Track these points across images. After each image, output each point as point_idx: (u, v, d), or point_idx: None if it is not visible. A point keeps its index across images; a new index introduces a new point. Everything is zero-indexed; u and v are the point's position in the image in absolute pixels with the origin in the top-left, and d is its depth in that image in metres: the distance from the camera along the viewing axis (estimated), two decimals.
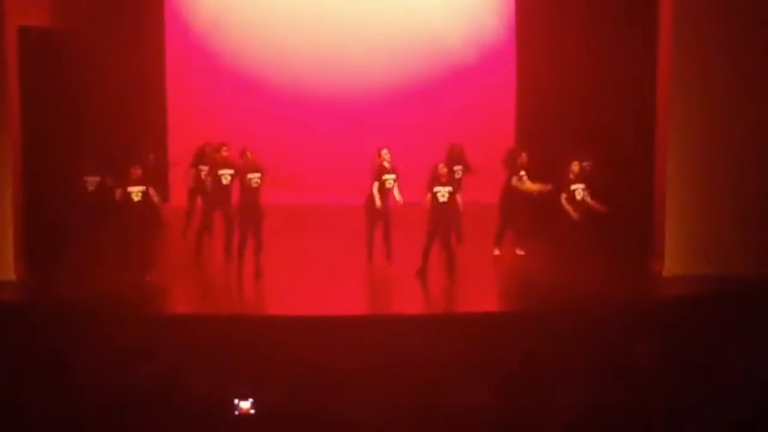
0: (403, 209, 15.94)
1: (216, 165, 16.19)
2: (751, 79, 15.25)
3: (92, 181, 15.85)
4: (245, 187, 15.23)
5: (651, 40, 15.87)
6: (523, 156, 16.55)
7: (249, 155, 15.69)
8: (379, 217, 16.07)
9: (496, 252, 16.77)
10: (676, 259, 15.44)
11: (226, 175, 16.07)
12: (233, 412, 9.38)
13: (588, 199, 15.37)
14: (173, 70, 20.65)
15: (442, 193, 15.02)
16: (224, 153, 16.12)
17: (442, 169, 15.05)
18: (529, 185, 16.13)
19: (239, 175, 15.50)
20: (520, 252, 16.79)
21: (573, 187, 15.41)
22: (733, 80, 15.24)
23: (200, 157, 17.19)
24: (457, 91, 20.76)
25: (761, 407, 9.53)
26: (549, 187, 15.86)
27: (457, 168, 16.66)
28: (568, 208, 15.33)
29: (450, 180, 15.29)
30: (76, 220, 16.06)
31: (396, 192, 15.88)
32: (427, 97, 20.75)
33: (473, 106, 20.72)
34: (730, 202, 15.33)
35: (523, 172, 16.34)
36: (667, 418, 9.33)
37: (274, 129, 20.57)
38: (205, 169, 16.76)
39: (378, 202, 15.76)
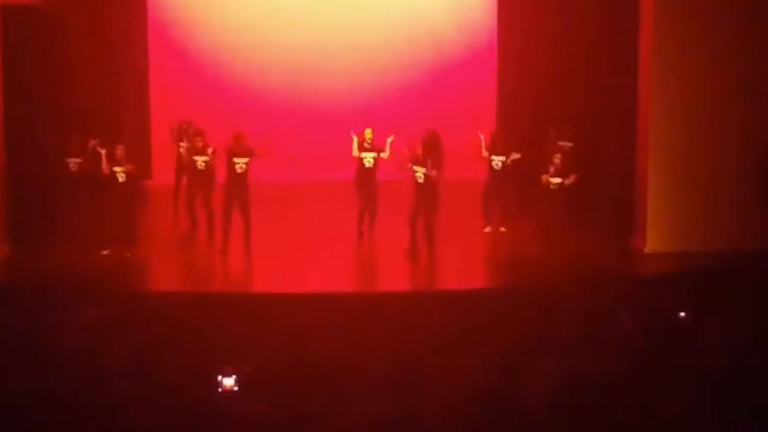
0: (392, 186, 16.05)
1: (193, 152, 16.29)
2: (732, 55, 15.33)
3: (74, 162, 15.89)
4: (232, 170, 15.40)
5: (633, 18, 15.92)
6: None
7: (241, 139, 15.70)
8: (364, 192, 16.26)
9: (487, 229, 16.89)
10: (657, 236, 15.56)
11: (200, 161, 16.14)
12: (217, 390, 9.42)
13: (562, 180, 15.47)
14: (156, 47, 20.57)
15: (419, 174, 15.21)
16: (198, 143, 16.19)
17: (418, 150, 15.31)
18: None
19: (227, 158, 15.58)
20: (503, 229, 16.89)
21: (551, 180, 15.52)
22: (714, 58, 15.32)
23: (179, 133, 17.24)
24: (438, 73, 20.74)
25: (739, 382, 9.62)
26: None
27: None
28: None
29: (425, 161, 15.42)
30: (60, 198, 16.07)
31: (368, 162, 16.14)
32: (409, 78, 20.73)
33: (455, 87, 20.72)
34: (711, 180, 15.44)
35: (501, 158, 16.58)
36: (648, 392, 9.41)
37: (258, 107, 20.53)
38: (184, 145, 16.90)
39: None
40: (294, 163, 19.54)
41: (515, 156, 16.47)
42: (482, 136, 16.66)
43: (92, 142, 15.53)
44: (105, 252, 15.20)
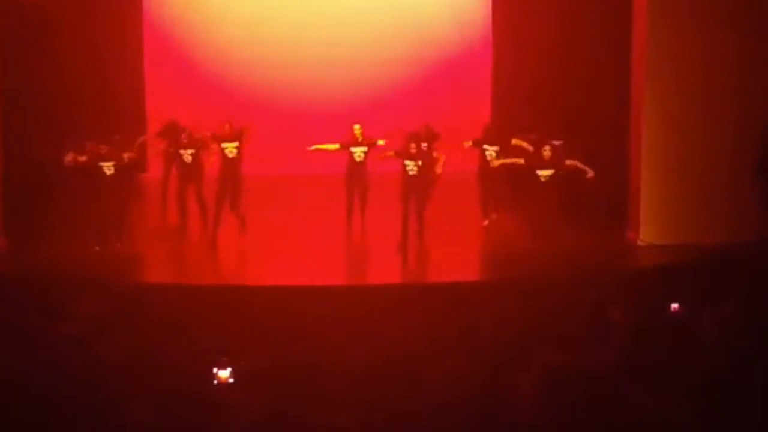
0: (383, 180, 16.07)
1: (179, 146, 16.34)
2: (726, 47, 15.36)
3: (70, 158, 15.94)
4: (223, 157, 15.62)
5: (627, 11, 15.94)
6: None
7: (227, 126, 15.83)
8: (356, 187, 16.28)
9: (485, 222, 16.93)
10: (651, 228, 15.58)
11: (186, 154, 16.18)
12: (212, 382, 9.43)
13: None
14: (151, 40, 20.56)
15: (411, 167, 15.26)
16: (184, 139, 16.26)
17: (412, 148, 15.37)
18: (506, 160, 16.17)
19: (216, 145, 15.77)
20: (494, 215, 16.91)
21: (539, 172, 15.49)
22: (708, 52, 15.34)
23: (166, 130, 17.29)
24: (434, 66, 20.74)
25: (734, 375, 9.62)
26: (521, 161, 15.94)
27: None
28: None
29: (419, 154, 15.41)
30: (54, 191, 16.08)
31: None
32: (404, 72, 20.72)
33: (450, 81, 20.71)
34: (705, 171, 15.47)
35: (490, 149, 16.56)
36: (641, 385, 9.42)
37: (252, 100, 20.52)
38: (163, 143, 17.06)
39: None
40: (288, 155, 19.55)
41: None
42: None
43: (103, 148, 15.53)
44: (97, 248, 15.23)
